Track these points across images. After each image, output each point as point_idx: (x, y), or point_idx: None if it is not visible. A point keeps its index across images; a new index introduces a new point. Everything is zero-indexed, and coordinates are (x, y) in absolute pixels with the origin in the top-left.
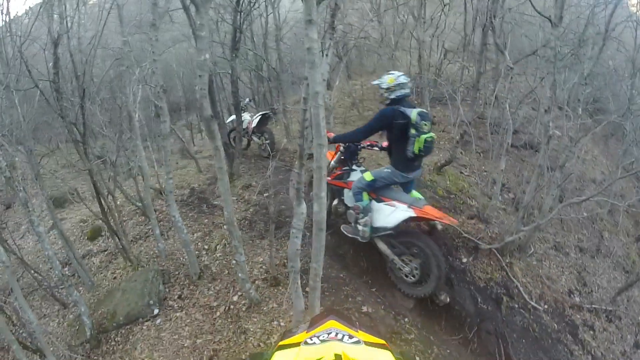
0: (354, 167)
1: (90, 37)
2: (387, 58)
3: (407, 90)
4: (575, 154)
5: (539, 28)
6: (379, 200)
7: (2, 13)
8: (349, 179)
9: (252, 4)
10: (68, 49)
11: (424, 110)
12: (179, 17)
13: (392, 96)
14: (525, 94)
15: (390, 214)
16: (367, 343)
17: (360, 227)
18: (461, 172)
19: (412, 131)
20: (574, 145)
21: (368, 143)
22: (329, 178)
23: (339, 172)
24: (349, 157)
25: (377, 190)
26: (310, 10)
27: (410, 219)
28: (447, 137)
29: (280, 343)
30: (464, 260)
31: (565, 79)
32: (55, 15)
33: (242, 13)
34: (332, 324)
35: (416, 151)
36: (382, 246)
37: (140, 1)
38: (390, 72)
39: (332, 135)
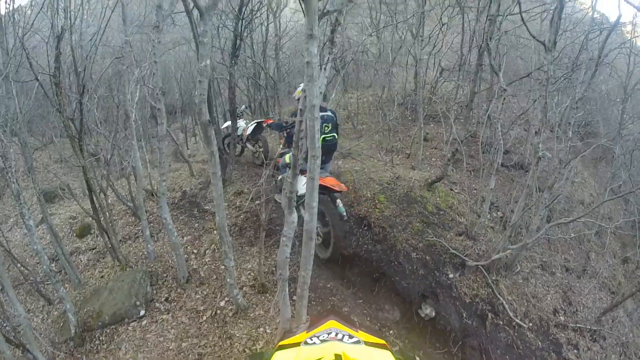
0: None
1: (91, 34)
2: (384, 73)
3: None
4: (565, 176)
5: (533, 51)
6: (301, 173)
7: (5, 2)
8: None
9: (254, 13)
10: (70, 43)
11: (329, 114)
12: (180, 20)
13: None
14: (517, 115)
15: (304, 183)
16: (367, 343)
17: None
18: (451, 189)
19: None
20: (564, 167)
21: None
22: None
23: (282, 152)
24: (289, 141)
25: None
26: (312, 24)
27: None
28: (439, 154)
29: (281, 343)
30: (451, 275)
31: (558, 102)
32: (59, 10)
33: (243, 21)
34: (332, 324)
35: None
36: (302, 211)
37: (143, 1)
38: (299, 85)
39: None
